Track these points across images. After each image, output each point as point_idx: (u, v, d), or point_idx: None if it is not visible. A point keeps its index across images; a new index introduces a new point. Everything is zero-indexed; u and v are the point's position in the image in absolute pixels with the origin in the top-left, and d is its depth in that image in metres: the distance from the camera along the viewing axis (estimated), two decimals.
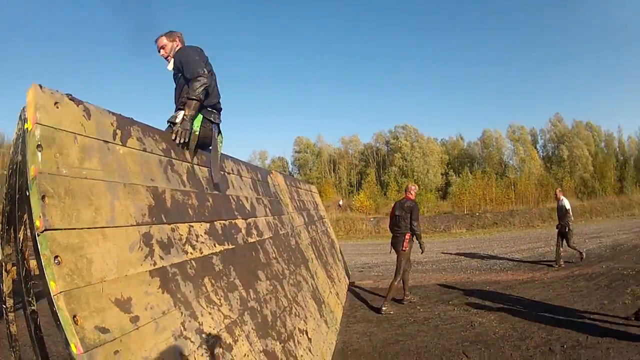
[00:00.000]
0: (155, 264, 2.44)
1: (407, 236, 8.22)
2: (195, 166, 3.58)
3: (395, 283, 8.19)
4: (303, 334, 4.48)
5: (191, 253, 2.92)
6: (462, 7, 79.79)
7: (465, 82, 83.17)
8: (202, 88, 3.53)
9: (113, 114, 2.57)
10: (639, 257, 11.32)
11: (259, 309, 3.61)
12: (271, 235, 4.96)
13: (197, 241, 3.07)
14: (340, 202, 45.08)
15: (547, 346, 5.66)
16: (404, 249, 8.27)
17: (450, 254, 16.04)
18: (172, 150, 3.25)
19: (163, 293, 2.41)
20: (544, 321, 6.70)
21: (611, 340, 5.66)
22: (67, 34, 75.68)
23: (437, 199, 49.04)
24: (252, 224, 4.46)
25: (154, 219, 2.63)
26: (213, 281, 3.05)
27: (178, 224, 2.91)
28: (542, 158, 57.87)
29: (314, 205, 9.74)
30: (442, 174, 57.30)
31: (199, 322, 2.64)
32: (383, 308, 7.90)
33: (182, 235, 2.90)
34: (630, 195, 39.30)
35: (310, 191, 10.18)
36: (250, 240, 4.23)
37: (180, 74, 3.80)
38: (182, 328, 2.44)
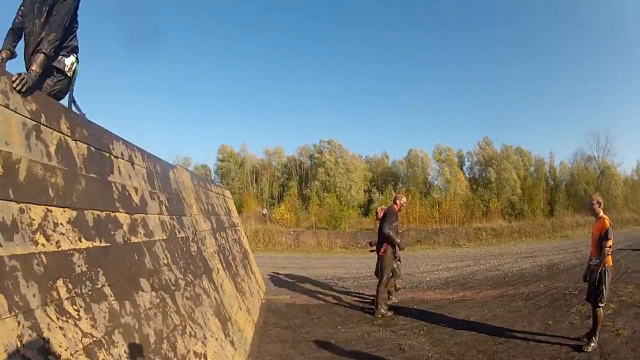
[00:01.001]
0: None
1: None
2: (70, 139, 2.92)
3: (382, 287, 8.76)
4: (200, 358, 3.85)
5: (43, 245, 2.30)
6: (391, 24, 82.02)
7: (393, 101, 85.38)
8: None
9: None
10: (579, 277, 11.47)
11: (136, 326, 2.99)
12: (165, 237, 4.30)
13: (54, 231, 2.43)
14: (265, 211, 44.57)
15: None
16: (381, 253, 8.89)
17: (372, 270, 15.67)
18: (43, 115, 2.64)
19: None
20: (483, 344, 6.46)
21: None
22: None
23: (359, 215, 49.50)
24: (139, 221, 3.81)
25: None
26: (70, 286, 2.41)
27: (30, 205, 2.28)
28: (468, 179, 60.08)
29: (225, 210, 9.07)
30: (364, 191, 58.09)
31: (44, 339, 2.03)
32: (382, 311, 8.47)
33: (33, 220, 2.28)
34: (562, 218, 41.28)
35: (223, 195, 9.47)
36: (134, 240, 3.58)
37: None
38: (18, 343, 1.86)
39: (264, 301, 9.47)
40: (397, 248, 8.86)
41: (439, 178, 60.17)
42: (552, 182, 57.80)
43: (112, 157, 3.71)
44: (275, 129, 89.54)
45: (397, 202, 9.16)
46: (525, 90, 79.14)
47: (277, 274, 14.30)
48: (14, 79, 2.45)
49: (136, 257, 3.48)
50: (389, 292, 9.54)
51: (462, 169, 61.18)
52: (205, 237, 5.82)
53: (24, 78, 2.51)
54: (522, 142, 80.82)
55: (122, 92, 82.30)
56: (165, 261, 4.06)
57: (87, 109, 3.66)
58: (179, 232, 4.78)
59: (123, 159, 3.94)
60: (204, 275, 5.04)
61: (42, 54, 3.01)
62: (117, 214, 3.42)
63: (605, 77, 75.41)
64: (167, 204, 4.73)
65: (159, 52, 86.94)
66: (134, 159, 4.21)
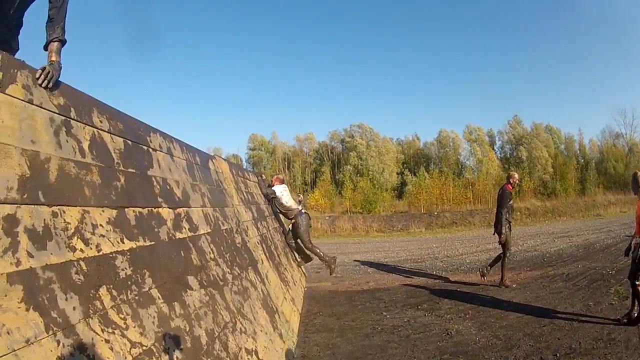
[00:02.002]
0: (19, 263, 1.62)
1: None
2: (104, 133, 2.68)
3: (504, 262, 9.15)
4: (252, 355, 3.61)
5: (82, 250, 2.04)
6: (421, 7, 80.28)
7: (422, 82, 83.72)
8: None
9: None
10: (615, 257, 11.01)
11: (188, 329, 2.73)
12: (209, 230, 4.06)
13: (93, 233, 2.18)
14: (300, 197, 44.16)
15: (537, 356, 5.06)
16: (499, 232, 9.19)
17: (412, 253, 15.37)
18: (73, 109, 2.39)
19: (28, 310, 1.58)
20: (528, 327, 6.14)
21: (606, 345, 5.18)
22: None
23: (392, 198, 48.98)
24: (182, 215, 3.56)
25: (24, 196, 1.79)
26: (115, 292, 2.16)
27: (64, 207, 2.02)
28: (500, 159, 58.91)
29: (265, 199, 8.86)
30: (397, 174, 57.47)
31: (88, 356, 1.77)
32: (507, 282, 8.89)
33: (69, 223, 2.02)
34: (594, 197, 40.14)
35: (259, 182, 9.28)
36: (179, 235, 3.33)
37: None
38: None
39: (306, 289, 9.26)
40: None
41: (471, 158, 59.05)
42: (582, 160, 55.85)
43: (150, 149, 3.46)
44: (305, 115, 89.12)
45: (511, 180, 9.46)
46: (553, 66, 76.68)
47: (315, 260, 14.10)
48: (37, 74, 2.15)
49: (182, 254, 3.23)
50: (482, 273, 9.58)
51: (493, 149, 59.84)
52: (248, 228, 5.57)
53: (49, 72, 2.22)
54: (551, 119, 78.94)
55: (146, 85, 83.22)
56: (212, 255, 3.81)
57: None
58: (222, 224, 4.53)
59: (162, 151, 3.69)
60: (249, 267, 4.79)
61: (57, 41, 2.73)
62: (159, 209, 3.17)
63: (634, 50, 72.11)
64: (209, 195, 4.48)
65: (182, 43, 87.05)
66: (173, 150, 3.97)
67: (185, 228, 3.49)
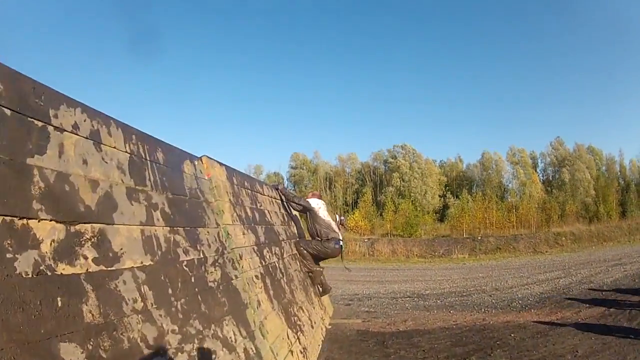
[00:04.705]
0: None
1: None
2: None
3: None
4: None
5: None
6: (463, 29, 78.53)
7: (465, 103, 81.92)
8: None
9: None
10: None
11: None
12: (150, 262, 2.50)
13: None
14: (341, 218, 42.89)
15: None
16: None
17: (456, 285, 13.47)
18: None
19: None
20: None
21: None
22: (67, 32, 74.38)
23: (434, 221, 47.21)
24: (88, 236, 2.06)
25: None
26: None
27: None
28: (542, 182, 57.10)
29: (286, 218, 7.27)
30: (439, 196, 56.06)
31: None
32: None
33: None
34: (637, 219, 38.79)
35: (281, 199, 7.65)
36: (66, 269, 1.85)
37: None
38: None
39: (329, 327, 7.51)
40: None
41: (513, 181, 57.78)
42: (623, 182, 53.62)
43: (51, 128, 2.02)
44: (348, 135, 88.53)
45: None
46: (594, 86, 73.93)
47: (349, 289, 12.46)
48: None
49: (58, 303, 1.74)
50: None
51: (535, 171, 57.87)
52: (241, 257, 3.98)
53: None
54: (592, 140, 75.84)
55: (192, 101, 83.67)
56: (141, 304, 2.27)
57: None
58: (185, 252, 2.98)
59: (77, 133, 2.23)
60: (226, 318, 3.20)
61: None
62: (29, 222, 1.72)
63: None
64: (168, 209, 2.96)
65: (226, 62, 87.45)
66: (103, 137, 2.48)
67: (85, 257, 1.99)
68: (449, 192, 56.13)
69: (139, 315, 2.21)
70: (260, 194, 5.88)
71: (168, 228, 2.88)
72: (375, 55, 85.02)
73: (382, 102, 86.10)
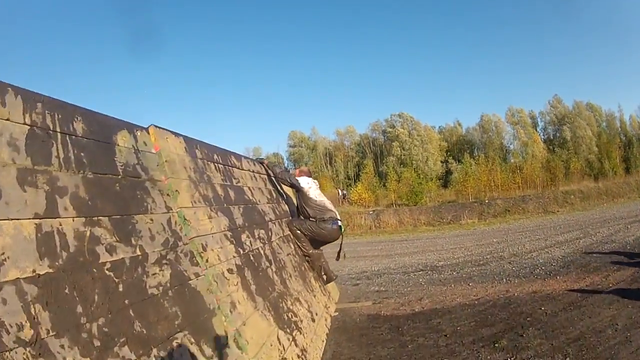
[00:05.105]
0: None
1: None
2: None
3: None
4: None
5: None
6: None
7: (459, 66, 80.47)
8: None
9: None
10: None
11: None
12: (49, 269, 1.54)
13: None
14: (343, 192, 42.75)
15: None
16: None
17: (470, 252, 12.54)
18: None
19: None
20: None
21: None
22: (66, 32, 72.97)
23: (438, 187, 46.61)
24: None
25: None
26: None
27: None
28: (544, 141, 56.55)
29: (274, 194, 6.31)
30: (441, 162, 55.52)
31: None
32: None
33: None
34: None
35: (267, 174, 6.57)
36: None
37: None
38: None
39: (336, 314, 6.61)
40: None
41: (515, 142, 57.34)
42: (624, 138, 53.45)
43: None
44: (344, 109, 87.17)
45: None
46: (589, 41, 72.37)
47: (356, 266, 11.52)
48: None
49: None
50: None
51: (536, 130, 57.29)
52: (206, 248, 3.08)
53: None
54: (590, 97, 74.81)
55: (182, 88, 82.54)
56: (29, 332, 1.36)
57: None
58: (110, 250, 2.04)
59: None
60: (179, 336, 2.28)
61: None
62: None
63: None
64: (83, 193, 2.02)
65: (219, 47, 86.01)
66: None
67: None
68: (451, 157, 55.65)
69: (27, 349, 1.30)
70: (238, 168, 4.89)
71: (82, 219, 1.93)
72: (366, 22, 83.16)
73: (376, 72, 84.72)
